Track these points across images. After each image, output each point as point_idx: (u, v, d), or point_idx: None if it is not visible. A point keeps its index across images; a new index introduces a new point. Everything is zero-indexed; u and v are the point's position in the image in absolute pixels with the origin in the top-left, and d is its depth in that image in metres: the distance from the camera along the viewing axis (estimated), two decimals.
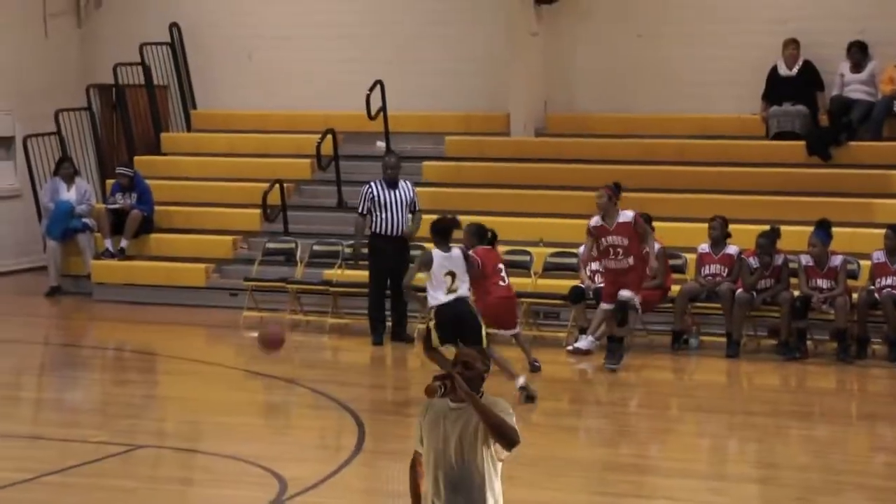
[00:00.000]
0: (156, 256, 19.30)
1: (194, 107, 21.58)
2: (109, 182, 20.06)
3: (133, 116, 21.38)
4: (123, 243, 19.24)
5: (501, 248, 14.73)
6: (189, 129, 21.50)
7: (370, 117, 19.37)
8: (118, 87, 21.17)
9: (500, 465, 6.32)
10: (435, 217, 13.56)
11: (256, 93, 20.95)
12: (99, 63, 21.48)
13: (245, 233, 19.12)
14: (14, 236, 20.99)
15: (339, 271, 17.38)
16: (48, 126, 20.85)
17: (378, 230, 16.17)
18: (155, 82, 21.24)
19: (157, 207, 19.54)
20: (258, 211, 19.04)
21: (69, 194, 19.69)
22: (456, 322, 12.93)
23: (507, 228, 17.66)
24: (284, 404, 14.00)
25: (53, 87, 21.33)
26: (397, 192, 16.19)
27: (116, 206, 19.35)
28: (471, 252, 13.56)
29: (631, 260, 14.42)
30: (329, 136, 19.44)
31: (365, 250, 16.28)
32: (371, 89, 19.42)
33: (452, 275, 13.16)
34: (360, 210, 16.33)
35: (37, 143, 20.86)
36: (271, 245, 18.41)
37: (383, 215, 16.12)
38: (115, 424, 12.76)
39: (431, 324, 12.92)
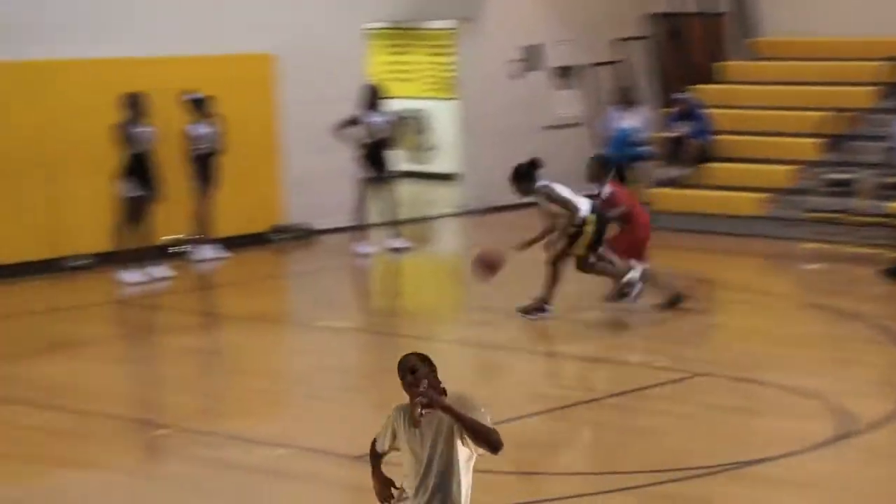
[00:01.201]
0: (712, 185, 19.29)
1: (754, 35, 21.37)
2: (667, 111, 20.21)
3: (690, 45, 21.43)
4: (681, 171, 19.36)
5: None
6: (748, 57, 21.30)
7: None
8: (675, 16, 21.24)
9: (473, 459, 6.03)
10: None
11: (822, 19, 20.46)
12: None
13: (803, 162, 18.78)
14: (576, 163, 21.44)
15: None
16: (607, 55, 21.22)
17: None
18: (712, 11, 21.19)
19: (714, 136, 19.53)
20: (817, 140, 18.66)
21: (629, 122, 19.99)
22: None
23: None
24: (844, 338, 13.64)
25: (612, 16, 21.64)
26: None
27: (674, 134, 19.49)
28: (608, 191, 13.92)
29: None
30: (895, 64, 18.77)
31: None
32: None
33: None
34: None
35: (597, 73, 21.28)
36: (830, 175, 18.02)
37: None
38: (674, 351, 12.87)
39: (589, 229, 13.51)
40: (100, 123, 16.12)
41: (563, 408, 11.08)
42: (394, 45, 23.92)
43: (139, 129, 15.95)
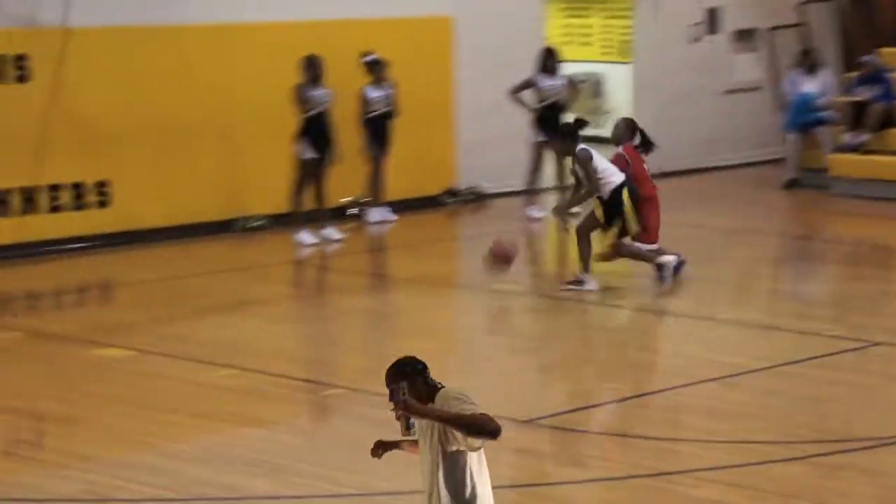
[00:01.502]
0: (895, 151, 18.79)
1: None
2: (850, 75, 19.71)
3: (878, 6, 20.88)
4: (864, 137, 18.89)
5: None
6: None
7: None
8: None
9: (472, 453, 5.60)
10: None
11: None
12: None
13: None
14: (754, 128, 21.15)
15: None
16: (792, 17, 20.77)
17: None
18: None
19: None
20: None
21: (811, 86, 19.56)
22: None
23: None
24: None
25: None
26: None
27: (857, 98, 19.01)
28: (620, 148, 13.47)
29: None
30: None
31: None
32: None
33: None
34: None
35: (779, 36, 20.85)
36: None
37: None
38: (851, 319, 12.59)
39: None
40: (277, 86, 16.27)
41: (736, 375, 10.89)
42: (571, 8, 23.73)
43: (316, 92, 16.07)
